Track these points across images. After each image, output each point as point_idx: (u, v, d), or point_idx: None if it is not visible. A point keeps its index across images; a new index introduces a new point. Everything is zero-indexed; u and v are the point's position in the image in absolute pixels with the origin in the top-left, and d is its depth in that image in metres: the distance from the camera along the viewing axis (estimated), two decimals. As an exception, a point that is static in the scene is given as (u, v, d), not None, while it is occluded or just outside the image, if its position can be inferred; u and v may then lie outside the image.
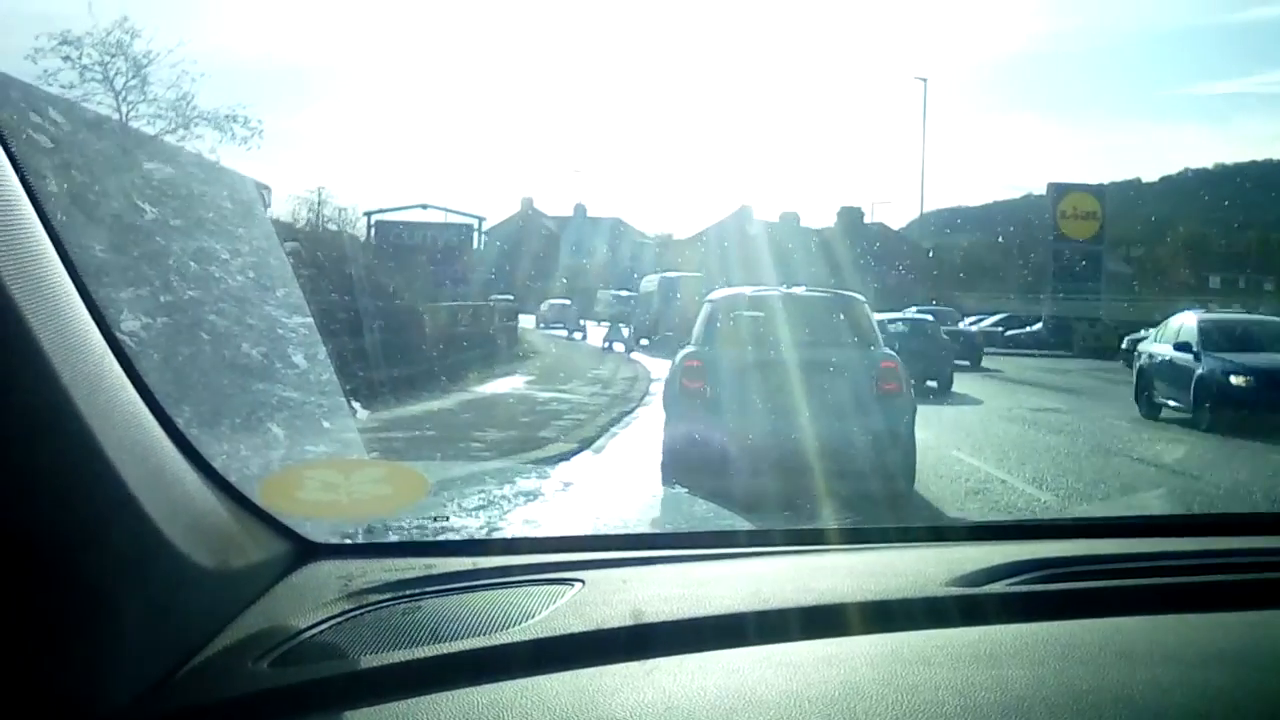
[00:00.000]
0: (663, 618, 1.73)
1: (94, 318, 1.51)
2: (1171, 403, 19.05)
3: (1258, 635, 1.78)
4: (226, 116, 23.03)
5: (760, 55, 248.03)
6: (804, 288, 12.95)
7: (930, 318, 29.22)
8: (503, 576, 1.98)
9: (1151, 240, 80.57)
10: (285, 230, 21.97)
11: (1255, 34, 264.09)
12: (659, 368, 24.86)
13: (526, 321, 47.56)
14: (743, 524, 3.11)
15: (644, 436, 14.87)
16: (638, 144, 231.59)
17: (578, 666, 1.56)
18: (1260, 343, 19.05)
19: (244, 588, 1.77)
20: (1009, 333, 45.82)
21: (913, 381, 22.07)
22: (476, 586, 1.93)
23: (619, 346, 37.89)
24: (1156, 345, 20.71)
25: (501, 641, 1.64)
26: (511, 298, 46.33)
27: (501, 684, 1.50)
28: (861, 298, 12.38)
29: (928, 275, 59.19)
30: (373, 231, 46.66)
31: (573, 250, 79.16)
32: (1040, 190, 58.29)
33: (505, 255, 69.34)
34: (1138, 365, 21.16)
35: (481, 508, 2.97)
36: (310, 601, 1.80)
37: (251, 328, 3.78)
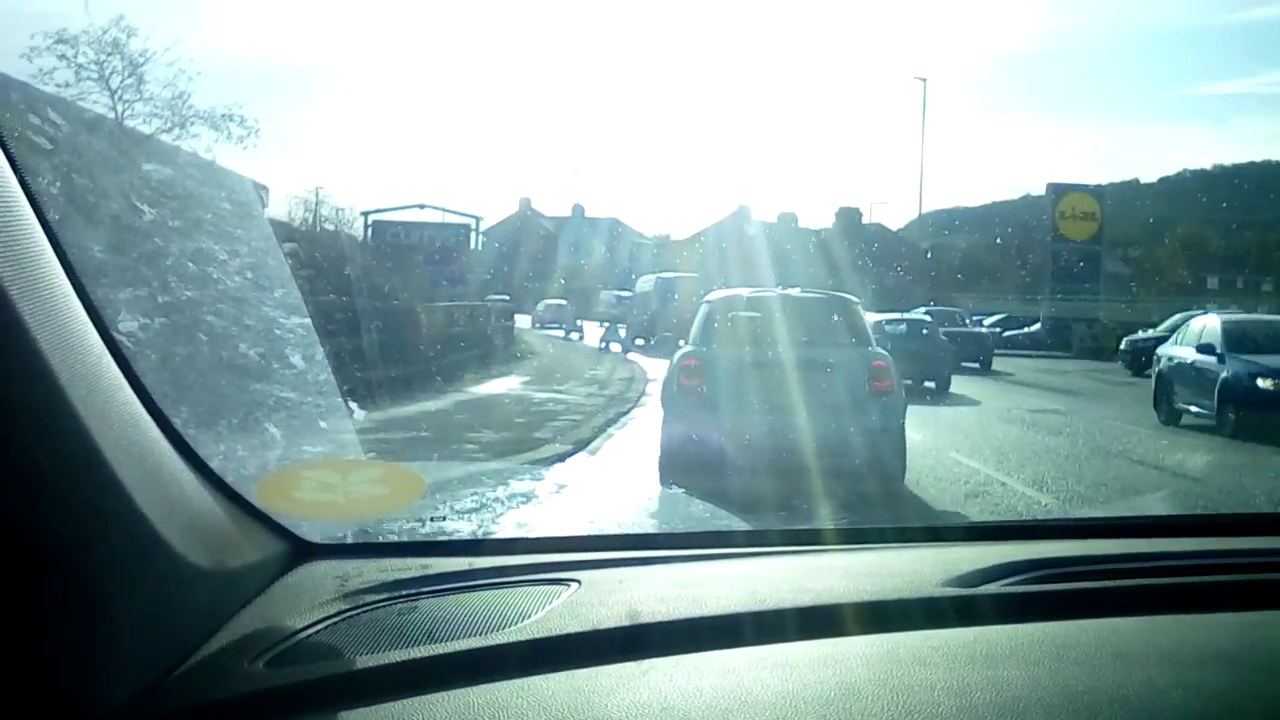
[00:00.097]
0: (659, 618, 1.73)
1: (91, 318, 1.51)
2: (1193, 408, 18.07)
3: (1254, 636, 1.79)
4: (223, 116, 23.00)
5: (759, 55, 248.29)
6: (799, 289, 13.31)
7: (929, 318, 29.14)
8: (499, 577, 1.98)
9: (1150, 241, 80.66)
10: (283, 230, 21.94)
11: (1255, 34, 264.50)
12: (655, 368, 24.86)
13: (523, 321, 47.57)
14: (739, 524, 3.11)
15: (640, 438, 14.85)
16: (636, 144, 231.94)
17: (574, 667, 1.56)
18: (1287, 344, 17.97)
19: (240, 587, 1.77)
20: (1007, 333, 45.71)
21: (909, 382, 22.21)
22: (472, 587, 1.93)
23: (615, 347, 37.92)
24: (1177, 348, 19.60)
25: (497, 642, 1.64)
26: (508, 298, 46.30)
27: (497, 684, 1.50)
28: (854, 299, 12.83)
29: (926, 276, 59.18)
30: (370, 231, 46.64)
31: (570, 251, 79.17)
32: (1039, 191, 58.44)
33: (503, 255, 69.35)
34: (1156, 370, 20.08)
35: (477, 508, 2.97)
36: (306, 601, 1.80)
37: (249, 328, 3.79)
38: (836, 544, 2.46)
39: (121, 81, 22.39)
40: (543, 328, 51.72)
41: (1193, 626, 1.80)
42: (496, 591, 1.90)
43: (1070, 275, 51.97)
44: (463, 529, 2.67)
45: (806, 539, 2.54)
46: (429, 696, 1.47)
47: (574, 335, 47.68)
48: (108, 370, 1.52)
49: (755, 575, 2.06)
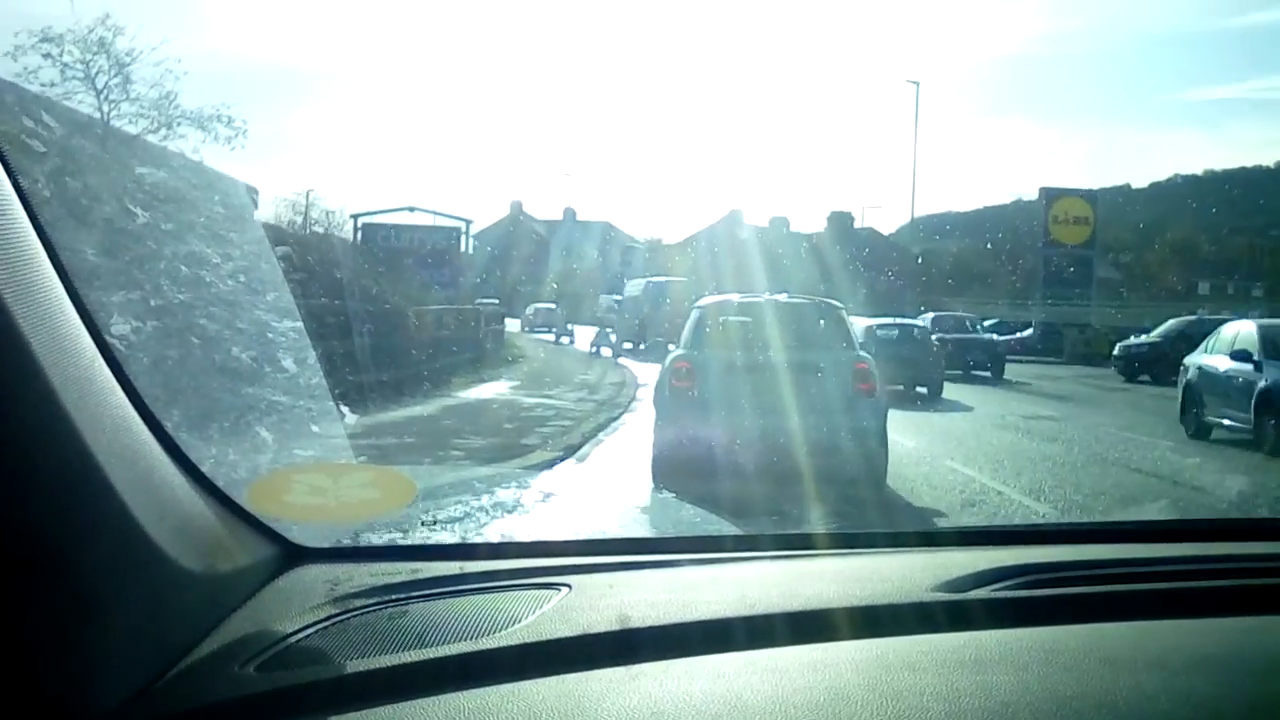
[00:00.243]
0: (649, 623, 1.73)
1: (84, 321, 1.51)
2: (1226, 420, 16.75)
3: (1243, 641, 1.79)
4: (210, 116, 22.90)
5: (751, 58, 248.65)
6: (786, 294, 14.06)
7: (921, 323, 29.09)
8: (489, 581, 1.98)
9: (1140, 246, 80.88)
10: (273, 233, 21.87)
11: (1248, 40, 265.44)
12: (645, 373, 24.82)
13: (514, 326, 47.53)
14: (730, 529, 3.11)
15: (631, 444, 14.84)
16: (628, 148, 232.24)
17: (564, 671, 1.56)
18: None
19: (231, 591, 1.77)
20: (999, 338, 45.67)
21: (901, 387, 22.26)
22: (463, 591, 1.93)
23: (606, 351, 37.91)
24: (1207, 357, 18.19)
25: (488, 646, 1.64)
26: (497, 301, 46.31)
27: (488, 689, 1.50)
28: (839, 304, 13.52)
29: (917, 280, 59.30)
30: (359, 234, 46.55)
31: (562, 254, 79.32)
32: (1030, 196, 58.57)
33: (494, 259, 69.44)
34: (1184, 380, 18.62)
35: (468, 513, 2.96)
36: (297, 605, 1.80)
37: (241, 332, 3.79)
38: (827, 549, 2.46)
39: (108, 81, 22.26)
40: (532, 331, 51.76)
41: (1182, 632, 1.80)
42: (487, 596, 1.90)
43: (1062, 280, 52.05)
44: (453, 534, 2.67)
45: (797, 544, 2.54)
46: (419, 701, 1.47)
47: (565, 339, 47.64)
48: (100, 374, 1.53)
49: (745, 580, 2.06)
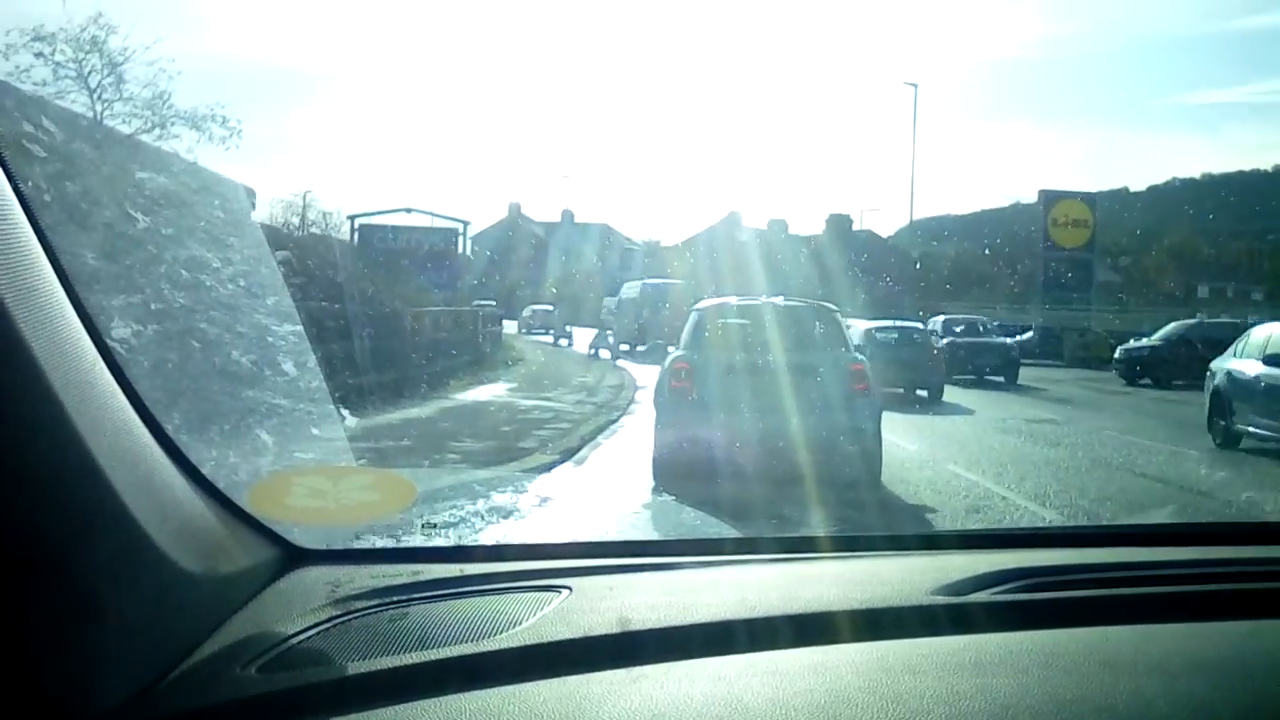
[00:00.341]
0: (650, 625, 1.73)
1: (85, 325, 1.51)
2: (1255, 429, 15.71)
3: (1244, 645, 1.79)
4: (204, 116, 22.79)
5: (750, 61, 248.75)
6: (782, 297, 14.46)
7: (920, 325, 28.93)
8: (490, 583, 1.98)
9: (1139, 250, 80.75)
10: (271, 235, 21.80)
11: (1247, 44, 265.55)
12: (644, 375, 24.74)
13: (513, 328, 47.50)
14: (730, 532, 3.11)
15: (630, 447, 14.86)
16: (626, 150, 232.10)
17: (564, 674, 1.56)
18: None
19: (232, 593, 1.78)
20: (1013, 342, 45.28)
21: (900, 390, 22.29)
22: (463, 593, 1.93)
23: (605, 353, 37.85)
24: (1237, 361, 16.96)
25: (488, 648, 1.64)
26: (494, 302, 46.27)
27: (488, 690, 1.51)
28: (834, 307, 14.06)
29: (916, 284, 59.27)
30: (356, 235, 46.52)
31: (560, 256, 79.28)
32: (1028, 199, 58.63)
33: (492, 261, 69.37)
34: (1211, 386, 17.39)
35: (468, 515, 2.97)
36: (298, 607, 1.81)
37: (242, 335, 3.79)
38: (828, 551, 2.46)
39: (100, 80, 22.21)
40: (529, 333, 51.76)
41: (1182, 635, 1.81)
42: (487, 598, 1.91)
43: (1061, 283, 52.03)
44: (453, 536, 2.67)
45: (797, 546, 2.54)
46: (420, 703, 1.47)
47: (563, 341, 47.62)
48: (101, 377, 1.53)
49: (746, 582, 2.06)
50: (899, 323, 28.10)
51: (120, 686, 1.41)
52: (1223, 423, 16.62)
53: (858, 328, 25.62)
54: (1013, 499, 11.27)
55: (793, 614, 1.80)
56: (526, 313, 57.25)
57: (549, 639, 1.67)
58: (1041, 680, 1.58)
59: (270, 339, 3.75)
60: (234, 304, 3.96)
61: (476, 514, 3.01)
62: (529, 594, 1.90)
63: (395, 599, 1.88)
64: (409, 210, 51.71)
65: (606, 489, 6.05)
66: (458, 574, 2.03)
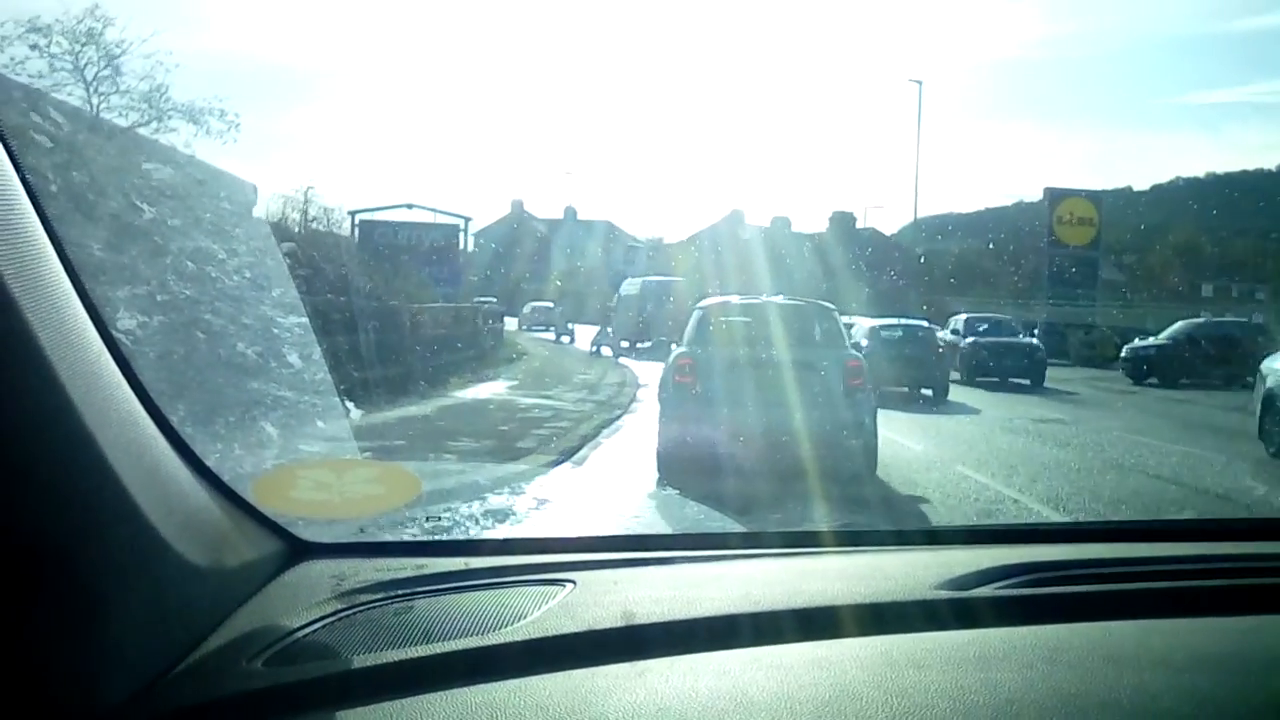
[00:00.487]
0: (654, 619, 1.73)
1: (91, 316, 1.51)
2: None
3: (1246, 640, 1.79)
4: (202, 109, 22.66)
5: (754, 58, 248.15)
6: (782, 296, 15.26)
7: (925, 323, 28.58)
8: (495, 577, 1.98)
9: (1143, 248, 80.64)
10: (274, 230, 21.74)
11: (1250, 44, 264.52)
12: (646, 372, 24.64)
13: (513, 324, 47.45)
14: (734, 526, 3.12)
15: (632, 445, 14.85)
16: (629, 147, 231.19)
17: (569, 667, 1.56)
18: None
19: (237, 587, 1.78)
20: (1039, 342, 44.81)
21: (905, 389, 22.29)
22: (468, 587, 1.93)
23: (606, 350, 37.78)
24: None
25: (493, 642, 1.64)
26: (495, 300, 46.22)
27: (493, 684, 1.51)
28: (831, 306, 14.45)
29: (920, 281, 59.21)
30: (357, 231, 46.35)
31: (563, 253, 79.25)
32: (1032, 197, 58.48)
33: (495, 257, 69.33)
34: (1263, 389, 15.31)
35: (473, 509, 2.97)
36: (303, 601, 1.81)
37: (247, 327, 3.79)
38: (832, 546, 2.46)
39: (97, 73, 22.10)
40: (530, 330, 51.72)
41: (1186, 630, 1.81)
42: (492, 592, 1.91)
43: (1066, 281, 51.82)
44: (459, 529, 2.67)
45: (802, 541, 2.54)
46: (425, 696, 1.47)
47: (564, 339, 47.56)
48: (106, 368, 1.53)
49: (750, 577, 2.06)
50: (903, 320, 27.76)
51: (126, 680, 1.41)
52: (1278, 430, 14.75)
53: (862, 325, 25.50)
54: (1025, 502, 11.01)
55: (797, 608, 1.80)
56: (528, 310, 57.21)
57: (554, 633, 1.67)
58: (1045, 675, 1.58)
59: (276, 331, 3.75)
60: (239, 296, 3.96)
61: (481, 508, 3.02)
62: (534, 588, 1.90)
63: (400, 592, 1.88)
64: (411, 206, 51.40)
65: (611, 484, 6.05)
66: (462, 568, 2.03)
